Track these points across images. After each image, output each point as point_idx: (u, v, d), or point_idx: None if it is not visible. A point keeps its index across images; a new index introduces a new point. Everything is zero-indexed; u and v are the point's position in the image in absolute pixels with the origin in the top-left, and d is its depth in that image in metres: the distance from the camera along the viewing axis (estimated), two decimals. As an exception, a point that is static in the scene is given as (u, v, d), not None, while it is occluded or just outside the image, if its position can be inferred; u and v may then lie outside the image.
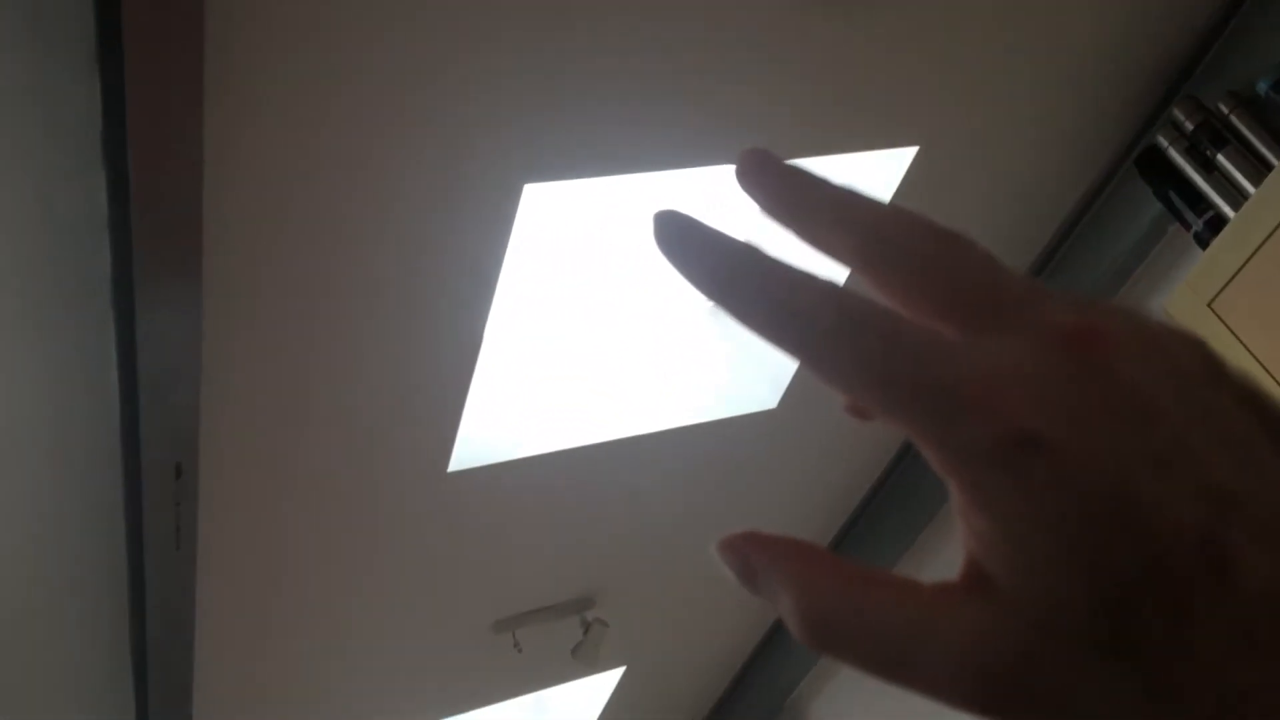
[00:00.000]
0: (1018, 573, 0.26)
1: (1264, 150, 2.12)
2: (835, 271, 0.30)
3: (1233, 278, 1.86)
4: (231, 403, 1.93)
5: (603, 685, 3.77)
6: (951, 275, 0.29)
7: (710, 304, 0.32)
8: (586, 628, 3.03)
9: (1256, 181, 2.09)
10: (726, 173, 2.42)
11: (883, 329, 0.27)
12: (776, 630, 3.75)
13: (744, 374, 2.67)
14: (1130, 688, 0.24)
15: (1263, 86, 2.11)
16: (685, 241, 0.31)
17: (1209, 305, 1.88)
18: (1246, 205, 1.93)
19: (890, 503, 3.20)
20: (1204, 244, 2.15)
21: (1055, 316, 0.27)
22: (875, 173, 2.27)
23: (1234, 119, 2.17)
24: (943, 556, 3.17)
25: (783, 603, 0.28)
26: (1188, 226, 2.23)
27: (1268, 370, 1.80)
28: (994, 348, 0.27)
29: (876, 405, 0.27)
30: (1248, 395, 0.28)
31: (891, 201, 0.29)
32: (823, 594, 0.28)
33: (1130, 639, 0.24)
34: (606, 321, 2.69)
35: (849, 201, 0.31)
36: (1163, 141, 2.25)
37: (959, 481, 0.26)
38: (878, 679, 0.27)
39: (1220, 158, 2.16)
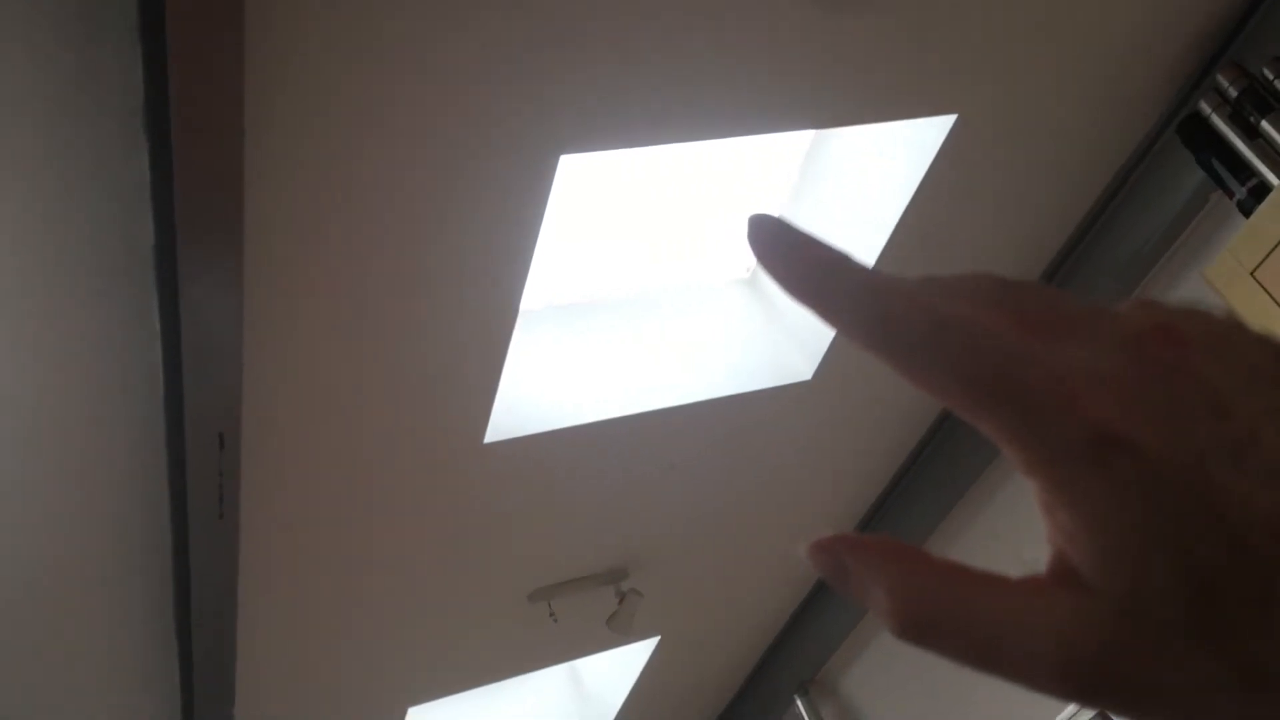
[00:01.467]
0: (1104, 565, 0.27)
1: (1310, 116, 2.09)
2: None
3: (1276, 246, 1.83)
4: (273, 373, 1.95)
5: (637, 655, 3.80)
6: (1022, 302, 0.30)
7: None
8: (621, 598, 3.06)
9: (1302, 148, 2.05)
10: (764, 141, 2.41)
11: (972, 335, 0.28)
12: (809, 603, 3.76)
13: (779, 346, 2.66)
14: (1216, 672, 0.25)
15: (1309, 51, 2.08)
16: (778, 246, 0.32)
17: (1252, 274, 1.85)
18: (1291, 172, 1.90)
19: (925, 474, 3.19)
20: (1247, 212, 2.12)
21: (1129, 319, 0.29)
22: (914, 141, 2.25)
23: (1278, 85, 2.13)
24: (977, 528, 3.17)
25: (877, 599, 0.29)
26: (1231, 194, 2.20)
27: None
28: (1074, 352, 0.28)
29: (963, 407, 0.28)
30: None
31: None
32: (917, 590, 0.29)
33: (1215, 624, 0.25)
34: (642, 291, 2.70)
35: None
36: (1205, 108, 2.21)
37: (1045, 480, 0.28)
38: (970, 669, 0.28)
39: (1264, 124, 2.12)
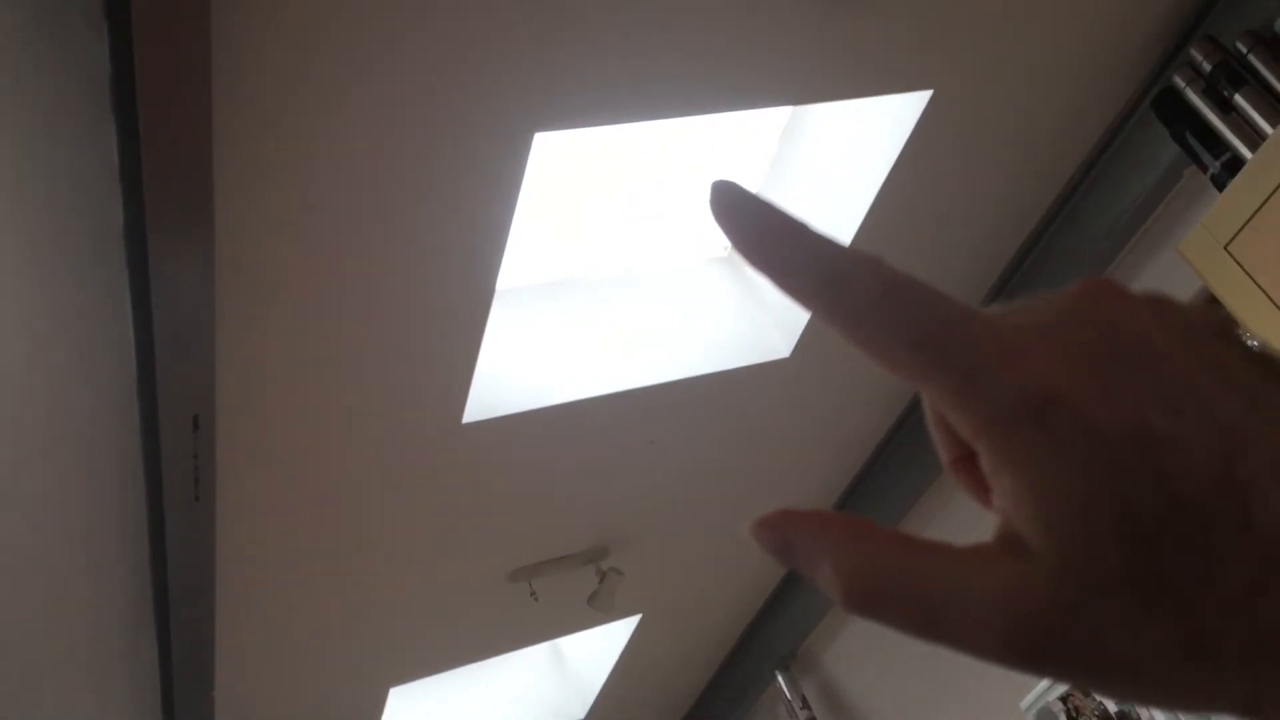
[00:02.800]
0: (1046, 525, 0.26)
1: (1282, 90, 2.09)
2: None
3: (1249, 219, 1.84)
4: (248, 354, 1.94)
5: (619, 633, 3.81)
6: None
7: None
8: (602, 576, 3.06)
9: (1274, 122, 2.06)
10: (739, 118, 2.40)
11: (919, 298, 0.29)
12: (790, 579, 3.78)
13: (757, 323, 2.67)
14: (1160, 630, 0.25)
15: (1282, 25, 2.08)
16: (739, 211, 0.32)
17: (1225, 248, 1.86)
18: (1264, 146, 1.91)
19: (904, 450, 3.20)
20: (1221, 186, 2.13)
21: (1070, 288, 0.29)
22: (890, 117, 2.25)
23: (1252, 58, 2.13)
24: (955, 503, 3.18)
25: (823, 573, 0.29)
26: (1204, 168, 2.21)
27: (1284, 312, 1.78)
28: (1016, 316, 0.29)
29: (910, 372, 0.29)
30: (1257, 352, 0.29)
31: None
32: (862, 561, 0.29)
33: (1157, 581, 0.25)
34: (620, 270, 2.69)
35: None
36: (1179, 82, 2.22)
37: (987, 442, 0.28)
38: (917, 639, 0.28)
39: (1238, 98, 2.13)
